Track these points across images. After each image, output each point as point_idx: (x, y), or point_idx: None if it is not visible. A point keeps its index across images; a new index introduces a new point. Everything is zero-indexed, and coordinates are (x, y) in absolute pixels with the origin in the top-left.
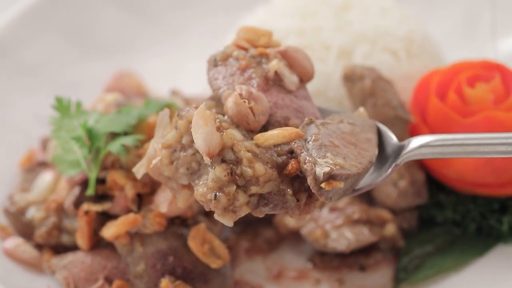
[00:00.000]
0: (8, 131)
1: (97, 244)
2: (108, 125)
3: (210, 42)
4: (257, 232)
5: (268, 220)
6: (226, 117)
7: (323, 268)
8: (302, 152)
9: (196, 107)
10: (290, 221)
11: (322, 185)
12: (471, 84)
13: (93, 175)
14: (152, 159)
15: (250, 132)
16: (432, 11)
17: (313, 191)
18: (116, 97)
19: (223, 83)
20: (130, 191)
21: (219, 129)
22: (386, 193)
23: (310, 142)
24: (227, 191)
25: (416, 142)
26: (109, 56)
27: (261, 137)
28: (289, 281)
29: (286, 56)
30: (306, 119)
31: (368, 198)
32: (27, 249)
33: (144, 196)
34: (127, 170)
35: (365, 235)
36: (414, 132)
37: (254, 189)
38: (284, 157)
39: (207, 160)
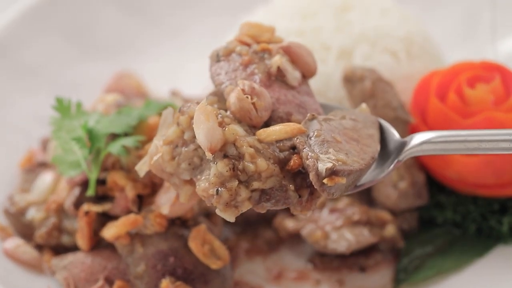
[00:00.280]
0: (8, 131)
1: (97, 244)
2: (109, 126)
3: (210, 42)
4: (257, 233)
5: (268, 221)
6: (228, 113)
7: (323, 269)
8: (304, 148)
9: (198, 103)
10: (289, 224)
11: (325, 180)
12: (471, 85)
13: (93, 176)
14: (154, 155)
15: (252, 127)
16: (432, 11)
17: (315, 186)
18: (116, 97)
19: (225, 79)
20: (130, 192)
21: (221, 124)
22: (386, 194)
23: (312, 138)
24: (229, 186)
25: (418, 138)
26: (109, 57)
27: (263, 133)
28: (289, 282)
29: (289, 51)
30: (309, 114)
31: (368, 199)
32: (27, 250)
33: (145, 197)
34: (128, 171)
35: (365, 236)
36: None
37: (256, 185)
38: (287, 152)
39: (209, 155)
